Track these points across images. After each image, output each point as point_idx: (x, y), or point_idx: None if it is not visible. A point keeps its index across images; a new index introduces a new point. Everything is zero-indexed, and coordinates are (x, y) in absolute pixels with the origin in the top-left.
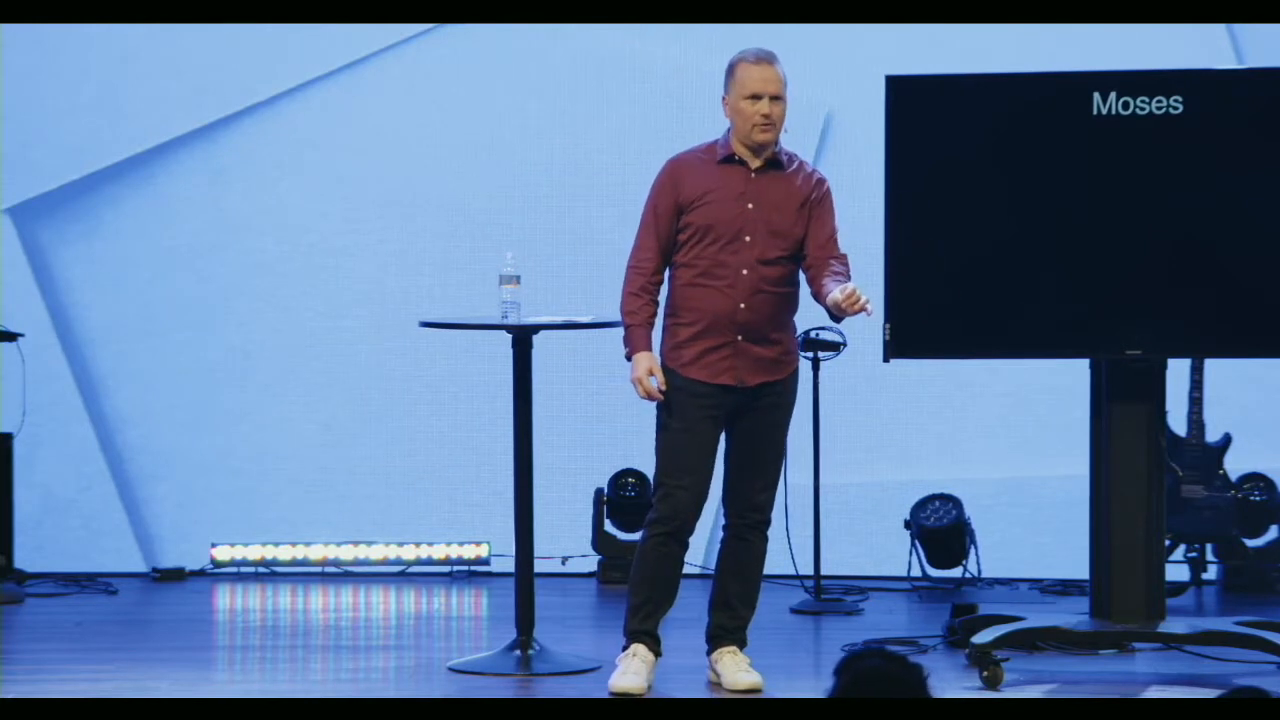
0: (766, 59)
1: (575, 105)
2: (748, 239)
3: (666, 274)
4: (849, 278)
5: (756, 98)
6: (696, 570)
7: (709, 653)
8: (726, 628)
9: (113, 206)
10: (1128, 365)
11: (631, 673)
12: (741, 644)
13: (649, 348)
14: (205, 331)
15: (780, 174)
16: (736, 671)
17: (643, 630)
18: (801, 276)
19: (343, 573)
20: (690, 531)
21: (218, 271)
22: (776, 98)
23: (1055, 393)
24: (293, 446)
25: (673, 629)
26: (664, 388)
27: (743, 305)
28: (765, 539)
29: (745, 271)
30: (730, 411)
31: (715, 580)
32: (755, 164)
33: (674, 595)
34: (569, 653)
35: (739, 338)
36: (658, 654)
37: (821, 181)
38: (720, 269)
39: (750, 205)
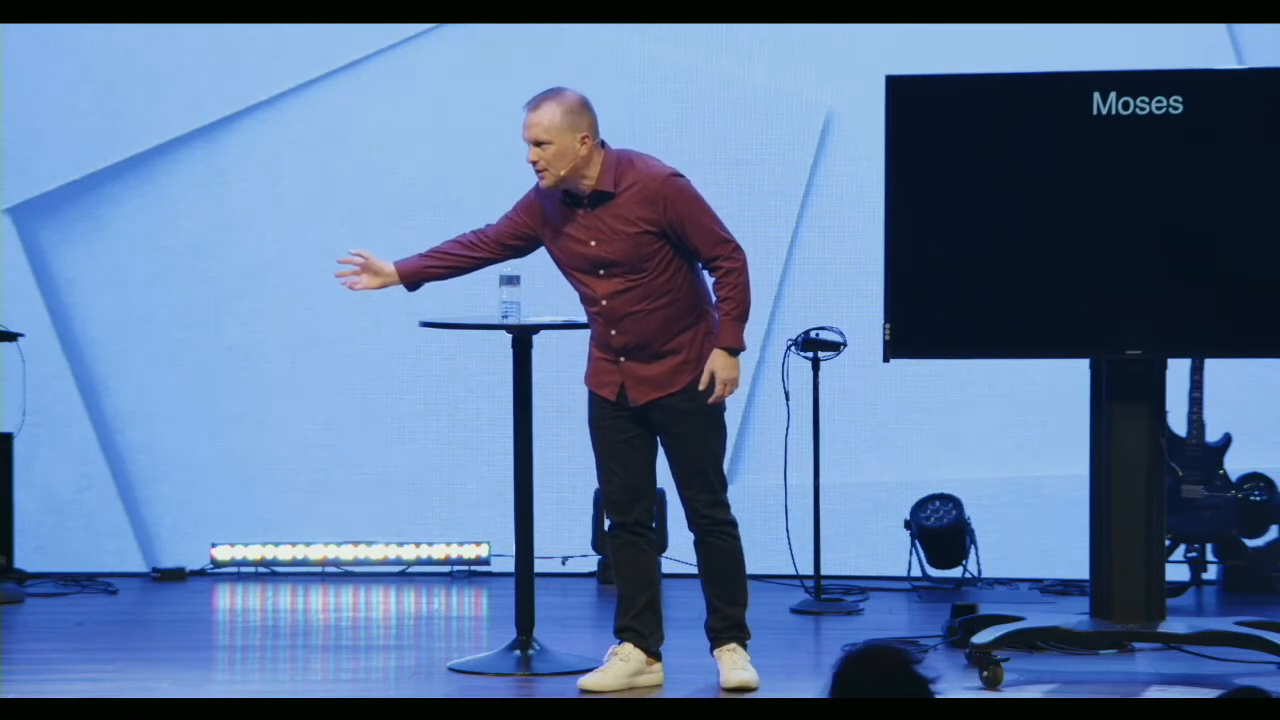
0: (528, 105)
1: None
2: (601, 273)
3: None
4: (731, 304)
5: (528, 145)
6: (696, 572)
7: (710, 651)
8: (717, 628)
9: (113, 206)
10: (1128, 365)
11: (605, 671)
12: (742, 640)
13: (395, 263)
14: (205, 331)
15: (611, 204)
16: (731, 669)
17: (622, 626)
18: (696, 276)
19: (343, 573)
20: (641, 521)
21: (218, 271)
22: (538, 143)
23: (1055, 393)
24: (293, 446)
25: (673, 629)
26: (347, 267)
27: (614, 332)
28: (731, 537)
29: (605, 302)
30: (635, 419)
31: (701, 586)
32: (583, 202)
33: (644, 586)
34: (569, 653)
35: (621, 359)
36: (648, 649)
37: (658, 198)
38: (589, 300)
39: (593, 243)
